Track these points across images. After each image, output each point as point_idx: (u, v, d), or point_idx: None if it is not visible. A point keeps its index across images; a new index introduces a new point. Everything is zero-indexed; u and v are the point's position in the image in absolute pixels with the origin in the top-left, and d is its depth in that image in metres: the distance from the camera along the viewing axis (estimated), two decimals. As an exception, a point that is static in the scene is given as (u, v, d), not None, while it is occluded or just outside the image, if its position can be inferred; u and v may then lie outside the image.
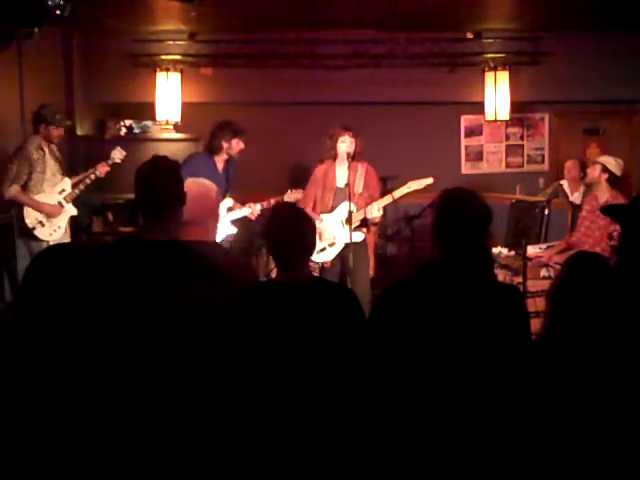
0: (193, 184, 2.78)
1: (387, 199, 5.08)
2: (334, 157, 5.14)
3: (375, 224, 5.24)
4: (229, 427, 2.20)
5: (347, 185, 4.94)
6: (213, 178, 5.12)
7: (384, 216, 5.58)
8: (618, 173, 5.04)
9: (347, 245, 5.02)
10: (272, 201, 5.35)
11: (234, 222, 5.41)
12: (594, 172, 5.06)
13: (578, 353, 2.25)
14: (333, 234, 5.14)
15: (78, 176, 5.49)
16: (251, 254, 6.48)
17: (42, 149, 5.25)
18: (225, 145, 5.36)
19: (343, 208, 5.06)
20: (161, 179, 2.29)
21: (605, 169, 5.00)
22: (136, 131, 7.18)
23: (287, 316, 2.34)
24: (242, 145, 5.40)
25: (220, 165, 5.41)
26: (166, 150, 6.16)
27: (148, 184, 2.29)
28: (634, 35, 6.80)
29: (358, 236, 5.09)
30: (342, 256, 5.11)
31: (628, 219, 2.79)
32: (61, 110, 5.62)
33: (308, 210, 5.01)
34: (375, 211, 5.01)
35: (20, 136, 5.87)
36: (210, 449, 2.15)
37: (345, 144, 5.05)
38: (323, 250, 5.11)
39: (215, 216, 2.94)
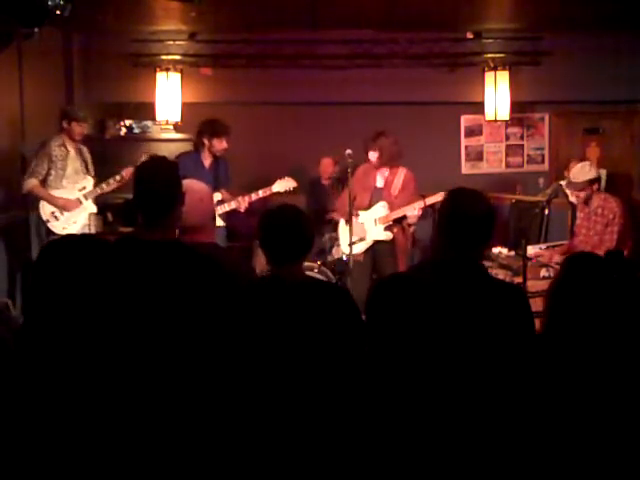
0: (189, 190, 2.80)
1: (419, 204, 5.28)
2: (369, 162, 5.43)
3: (410, 225, 5.48)
4: (224, 426, 2.21)
5: (346, 186, 5.17)
6: (200, 175, 5.23)
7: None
8: (596, 175, 5.00)
9: (376, 242, 5.34)
10: (260, 192, 5.48)
11: (222, 216, 5.48)
12: (581, 195, 5.00)
13: (577, 352, 2.25)
14: (365, 230, 5.39)
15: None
16: (249, 253, 6.48)
17: (65, 147, 5.45)
18: (206, 143, 5.53)
19: (377, 207, 5.36)
20: (160, 179, 2.29)
21: (586, 184, 4.95)
22: (136, 131, 7.18)
23: (281, 315, 2.34)
24: (224, 145, 5.53)
25: (207, 162, 5.58)
26: (166, 150, 6.17)
27: (147, 184, 2.29)
28: (634, 35, 6.80)
29: (386, 235, 5.37)
30: (373, 252, 5.40)
31: None
32: (85, 109, 5.82)
33: (343, 205, 5.36)
34: (409, 212, 5.28)
35: (20, 136, 5.88)
36: (205, 447, 2.15)
37: (371, 156, 5.36)
38: (353, 244, 5.25)
39: (213, 218, 3.01)
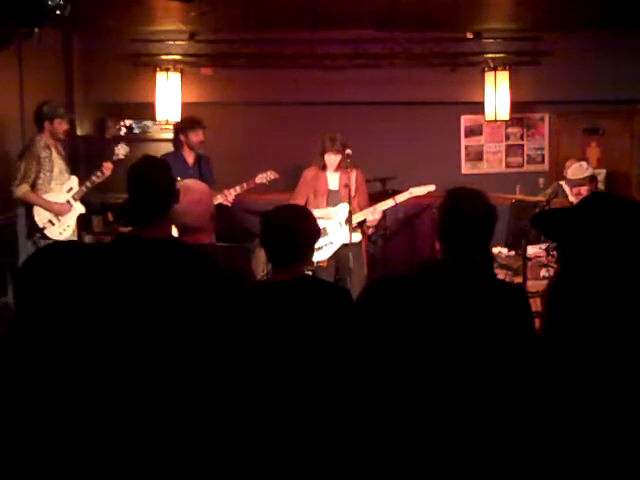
0: (188, 190, 2.79)
1: (389, 203, 5.21)
2: (324, 166, 5.28)
3: (373, 226, 5.38)
4: (221, 426, 2.21)
5: (346, 186, 5.05)
6: (184, 173, 5.27)
7: (383, 217, 5.64)
8: (592, 172, 5.08)
9: (344, 245, 5.11)
10: (245, 185, 5.62)
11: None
12: (583, 190, 5.06)
13: (575, 351, 2.25)
14: (330, 234, 5.22)
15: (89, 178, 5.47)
16: (249, 253, 6.49)
17: (49, 147, 5.22)
18: (183, 139, 5.68)
19: (341, 209, 5.19)
20: (154, 178, 2.31)
21: (587, 180, 5.02)
22: (136, 131, 7.19)
23: (280, 314, 2.34)
24: (200, 137, 5.67)
25: (190, 159, 5.70)
26: (166, 150, 6.16)
27: (141, 184, 2.31)
28: (634, 35, 6.81)
29: (355, 237, 5.20)
30: (338, 256, 5.20)
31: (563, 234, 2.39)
32: (62, 105, 5.62)
33: None
34: (377, 214, 5.17)
35: (20, 136, 5.87)
36: (202, 447, 2.15)
37: (330, 159, 5.20)
38: (319, 249, 5.17)
39: (212, 219, 2.97)
